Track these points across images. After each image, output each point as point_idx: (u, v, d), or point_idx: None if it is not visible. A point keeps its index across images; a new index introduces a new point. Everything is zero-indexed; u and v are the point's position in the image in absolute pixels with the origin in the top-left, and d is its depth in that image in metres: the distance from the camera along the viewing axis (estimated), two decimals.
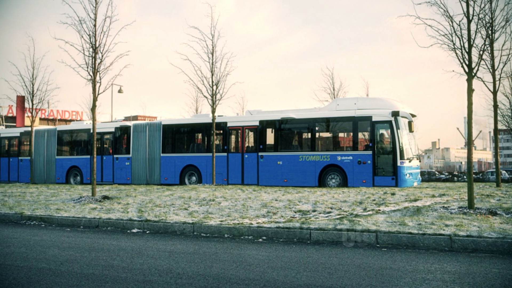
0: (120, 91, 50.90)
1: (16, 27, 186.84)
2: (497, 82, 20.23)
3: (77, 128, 30.88)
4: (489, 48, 13.54)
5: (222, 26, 68.25)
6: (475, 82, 12.73)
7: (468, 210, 12.07)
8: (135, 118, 65.24)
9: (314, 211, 13.69)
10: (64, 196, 19.68)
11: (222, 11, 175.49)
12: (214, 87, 23.06)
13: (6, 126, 50.36)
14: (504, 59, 19.31)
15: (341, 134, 23.60)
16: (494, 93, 20.25)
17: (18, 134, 32.65)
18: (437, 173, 58.64)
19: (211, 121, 23.74)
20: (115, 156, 28.17)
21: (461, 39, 12.56)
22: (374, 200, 14.99)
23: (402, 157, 20.84)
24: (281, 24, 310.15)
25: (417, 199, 14.91)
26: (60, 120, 67.65)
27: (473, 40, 12.56)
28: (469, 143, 12.95)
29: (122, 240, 11.42)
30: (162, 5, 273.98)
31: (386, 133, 21.64)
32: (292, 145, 24.28)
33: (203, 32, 23.26)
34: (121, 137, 28.52)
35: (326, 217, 12.52)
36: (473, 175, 13.08)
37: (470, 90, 12.59)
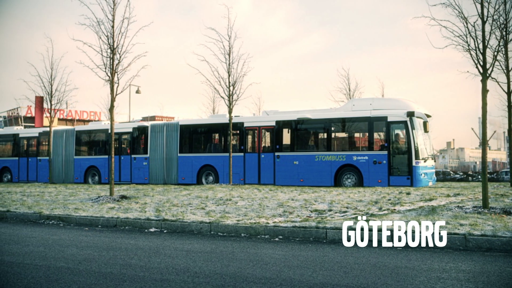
0: (137, 91, 51.10)
1: (34, 28, 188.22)
2: None
3: (95, 128, 31.09)
4: (503, 49, 13.58)
5: (238, 27, 68.64)
6: (490, 83, 12.73)
7: (482, 209, 12.10)
8: (152, 118, 65.50)
9: (330, 210, 13.76)
10: (82, 195, 19.84)
11: (238, 12, 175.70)
12: (231, 88, 23.16)
13: (25, 127, 50.72)
14: None
15: (356, 134, 23.58)
16: (509, 93, 20.11)
17: (37, 135, 32.90)
18: (452, 173, 58.30)
19: (228, 121, 23.85)
20: (133, 156, 28.31)
21: (475, 40, 12.57)
22: (390, 199, 15.02)
23: (417, 157, 20.83)
24: (297, 25, 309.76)
25: (432, 198, 14.93)
26: (79, 120, 68.08)
27: (488, 41, 12.57)
28: (484, 143, 12.96)
29: (140, 239, 11.53)
30: (179, 6, 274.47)
31: (401, 133, 21.62)
32: (308, 145, 24.30)
33: (220, 33, 23.31)
34: (138, 137, 28.65)
35: (342, 216, 12.59)
36: (488, 175, 13.10)
37: (484, 91, 12.61)
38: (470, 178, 50.19)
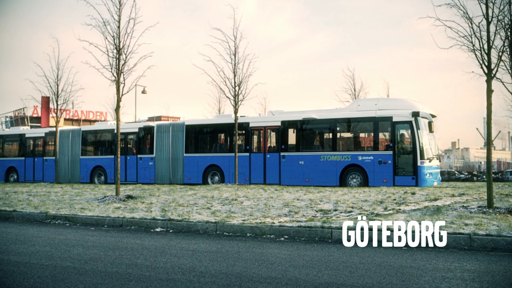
0: (143, 91, 51.20)
1: (41, 28, 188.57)
2: None
3: (101, 128, 31.14)
4: (508, 49, 13.51)
5: (244, 28, 68.60)
6: (494, 83, 12.72)
7: (487, 209, 12.10)
8: (158, 118, 65.40)
9: (335, 210, 13.77)
10: (89, 195, 19.91)
11: (244, 12, 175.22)
12: (237, 88, 23.22)
13: (31, 127, 50.80)
14: None
15: (362, 134, 23.58)
16: None
17: (43, 135, 32.97)
18: (456, 172, 58.06)
19: (233, 121, 23.89)
20: (139, 156, 28.35)
21: (480, 40, 12.58)
22: (395, 199, 15.03)
23: (422, 157, 20.84)
24: (302, 25, 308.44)
25: (437, 198, 14.94)
26: (85, 120, 68.10)
27: (493, 42, 12.56)
28: (489, 143, 12.97)
29: (146, 239, 11.58)
30: (185, 6, 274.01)
31: (406, 133, 21.63)
32: (313, 145, 24.32)
33: (226, 34, 23.38)
34: (144, 137, 28.70)
35: (347, 216, 12.59)
36: (492, 175, 13.10)
37: (489, 91, 12.61)
38: (475, 178, 49.97)
